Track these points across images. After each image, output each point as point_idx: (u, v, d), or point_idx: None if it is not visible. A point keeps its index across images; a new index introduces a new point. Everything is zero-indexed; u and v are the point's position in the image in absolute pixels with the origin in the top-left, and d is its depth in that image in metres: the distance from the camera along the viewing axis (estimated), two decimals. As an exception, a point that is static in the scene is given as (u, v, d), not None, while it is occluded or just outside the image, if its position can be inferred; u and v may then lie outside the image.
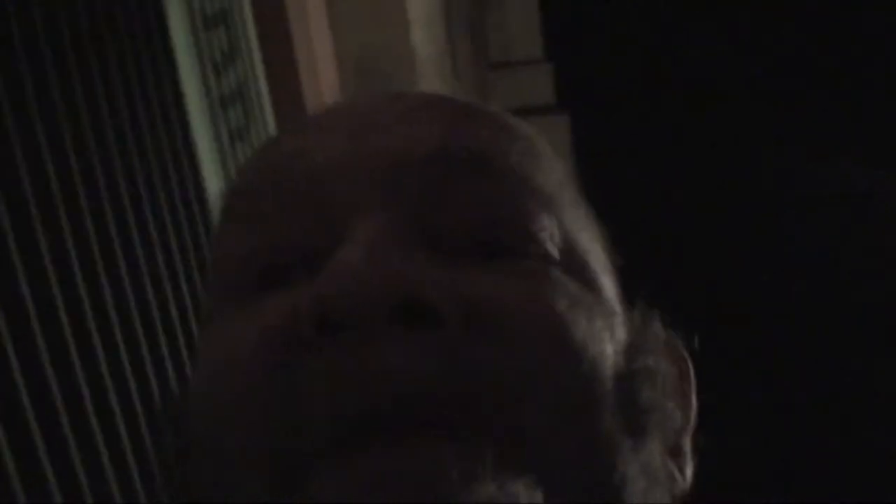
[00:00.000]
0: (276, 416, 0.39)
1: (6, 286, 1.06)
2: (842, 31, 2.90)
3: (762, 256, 3.07)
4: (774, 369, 2.99)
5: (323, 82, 1.97)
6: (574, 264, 0.45)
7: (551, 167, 0.48)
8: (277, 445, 0.39)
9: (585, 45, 3.08)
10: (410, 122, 0.46)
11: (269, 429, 0.39)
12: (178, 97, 1.52)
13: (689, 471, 0.49)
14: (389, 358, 0.38)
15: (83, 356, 1.16)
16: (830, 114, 2.98)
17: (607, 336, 0.43)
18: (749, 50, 3.00)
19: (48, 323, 1.11)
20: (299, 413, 0.39)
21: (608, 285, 0.47)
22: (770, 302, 3.05)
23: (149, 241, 1.35)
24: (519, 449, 0.38)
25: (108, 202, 1.27)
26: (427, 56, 2.67)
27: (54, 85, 1.20)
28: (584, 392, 0.41)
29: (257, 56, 1.84)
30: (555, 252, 0.44)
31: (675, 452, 0.48)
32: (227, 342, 0.43)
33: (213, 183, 1.60)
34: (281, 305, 0.41)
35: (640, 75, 3.03)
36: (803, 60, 2.97)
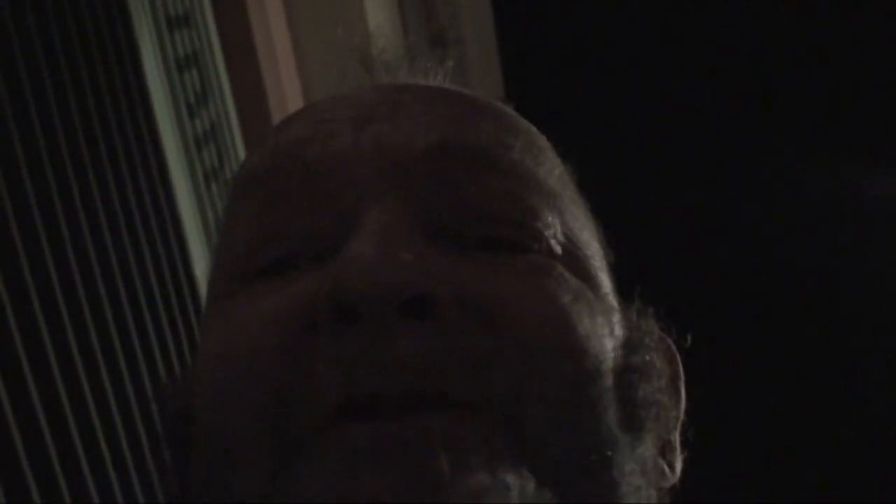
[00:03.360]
0: (284, 395, 0.39)
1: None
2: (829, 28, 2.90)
3: (746, 253, 3.07)
4: (769, 368, 2.99)
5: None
6: (575, 260, 0.45)
7: (553, 163, 0.48)
8: (282, 423, 0.39)
9: (546, 83, 3.12)
10: (415, 115, 0.46)
11: (277, 407, 0.39)
12: (153, 134, 1.55)
13: (678, 466, 0.49)
14: (399, 348, 0.38)
15: (74, 406, 1.17)
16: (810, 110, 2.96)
17: (607, 332, 0.43)
18: (711, 94, 3.04)
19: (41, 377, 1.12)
20: (308, 393, 0.39)
21: (606, 282, 0.47)
22: (757, 298, 3.05)
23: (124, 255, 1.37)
24: (517, 438, 0.39)
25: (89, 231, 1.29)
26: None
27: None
28: (588, 386, 0.41)
29: (229, 96, 1.87)
30: (557, 248, 0.44)
31: (665, 447, 0.48)
32: (238, 324, 0.43)
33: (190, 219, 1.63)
34: (294, 291, 0.42)
35: (601, 110, 3.08)
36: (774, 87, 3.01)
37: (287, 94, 1.95)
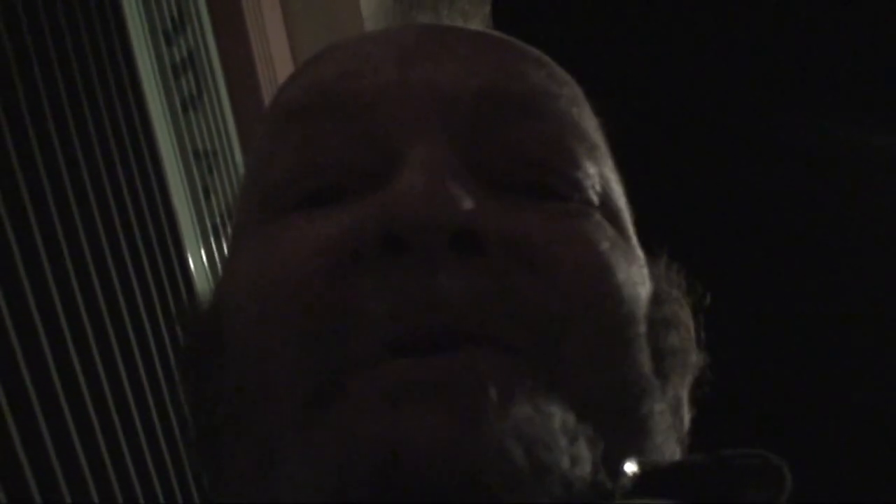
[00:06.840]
0: (329, 324, 0.39)
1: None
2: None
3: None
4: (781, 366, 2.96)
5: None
6: (610, 211, 0.46)
7: (592, 116, 0.48)
8: (326, 352, 0.39)
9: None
10: (462, 57, 0.46)
11: (321, 336, 0.39)
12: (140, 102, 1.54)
13: (687, 418, 0.50)
14: (445, 283, 0.38)
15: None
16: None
17: (640, 280, 0.45)
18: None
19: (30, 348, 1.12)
20: (353, 325, 0.39)
21: (634, 235, 0.48)
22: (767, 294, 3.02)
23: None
24: (556, 372, 0.39)
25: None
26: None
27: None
28: (623, 330, 0.42)
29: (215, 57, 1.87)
30: (595, 198, 0.45)
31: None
32: (280, 249, 0.42)
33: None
34: (341, 219, 0.41)
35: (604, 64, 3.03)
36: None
37: (274, 57, 1.94)
